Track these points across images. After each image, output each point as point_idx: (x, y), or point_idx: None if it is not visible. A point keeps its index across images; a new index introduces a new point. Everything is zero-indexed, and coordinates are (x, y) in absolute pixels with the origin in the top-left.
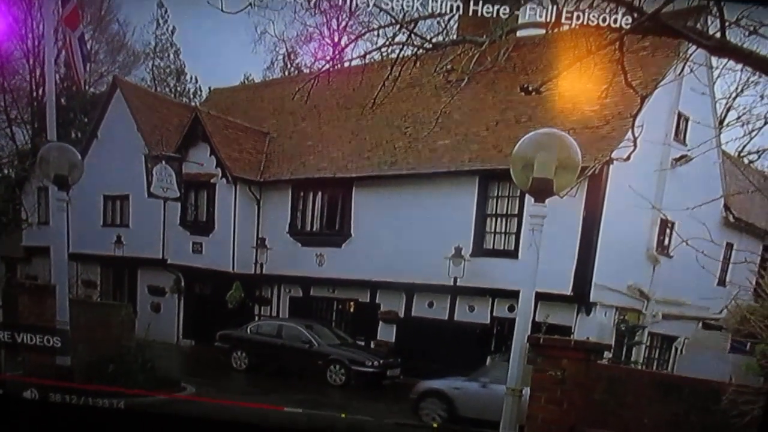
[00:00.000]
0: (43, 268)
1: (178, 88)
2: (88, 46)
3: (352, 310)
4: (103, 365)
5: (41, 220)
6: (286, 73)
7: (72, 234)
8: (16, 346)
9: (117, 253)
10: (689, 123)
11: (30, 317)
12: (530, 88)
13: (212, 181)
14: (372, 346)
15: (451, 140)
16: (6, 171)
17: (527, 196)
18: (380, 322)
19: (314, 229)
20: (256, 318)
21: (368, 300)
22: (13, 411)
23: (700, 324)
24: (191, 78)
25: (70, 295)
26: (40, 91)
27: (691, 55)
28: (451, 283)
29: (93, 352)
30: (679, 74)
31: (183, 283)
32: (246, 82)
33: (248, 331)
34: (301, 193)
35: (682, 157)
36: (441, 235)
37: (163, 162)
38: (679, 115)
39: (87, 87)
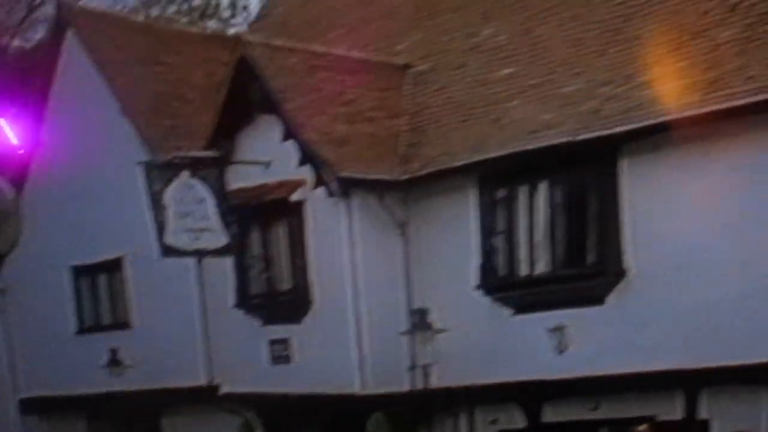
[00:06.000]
0: None
1: (196, 2)
2: None
3: None
4: None
5: None
6: None
7: (20, 361)
8: None
9: (115, 387)
10: None
11: None
12: None
13: (295, 197)
14: None
15: None
16: None
17: None
18: None
19: (537, 271)
20: None
21: (681, 415)
22: None
23: None
24: None
25: None
26: None
27: None
28: None
29: None
30: None
31: None
32: None
33: None
34: (500, 192)
35: None
36: None
37: (186, 174)
38: None
39: (8, 39)
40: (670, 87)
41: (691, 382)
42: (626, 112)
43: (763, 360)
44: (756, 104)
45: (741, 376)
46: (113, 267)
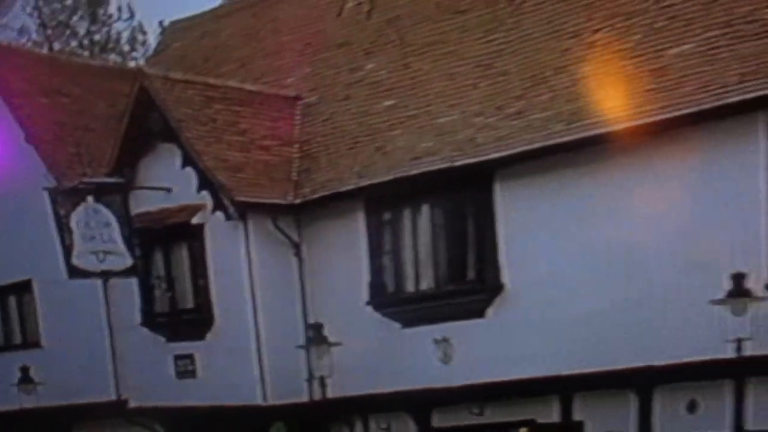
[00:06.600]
0: None
1: (97, 37)
2: None
3: None
4: None
5: None
6: None
7: None
8: None
9: (25, 404)
10: None
11: None
12: None
13: (196, 220)
14: None
15: (695, 43)
16: None
17: None
18: None
19: (422, 287)
20: None
21: (557, 418)
22: None
23: None
24: (121, 8)
25: None
26: None
27: None
28: (732, 354)
29: None
30: None
31: None
32: None
33: None
34: (386, 215)
35: None
36: (696, 255)
37: (91, 199)
38: None
39: None
40: (536, 117)
41: (565, 387)
42: (498, 140)
43: (630, 365)
44: (612, 134)
45: (610, 381)
46: (23, 289)
